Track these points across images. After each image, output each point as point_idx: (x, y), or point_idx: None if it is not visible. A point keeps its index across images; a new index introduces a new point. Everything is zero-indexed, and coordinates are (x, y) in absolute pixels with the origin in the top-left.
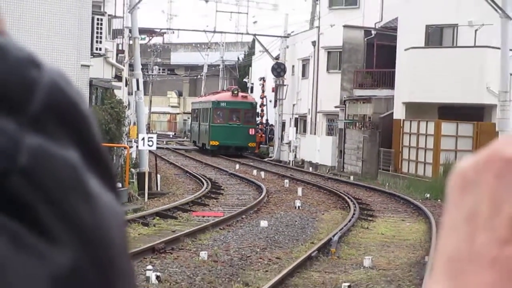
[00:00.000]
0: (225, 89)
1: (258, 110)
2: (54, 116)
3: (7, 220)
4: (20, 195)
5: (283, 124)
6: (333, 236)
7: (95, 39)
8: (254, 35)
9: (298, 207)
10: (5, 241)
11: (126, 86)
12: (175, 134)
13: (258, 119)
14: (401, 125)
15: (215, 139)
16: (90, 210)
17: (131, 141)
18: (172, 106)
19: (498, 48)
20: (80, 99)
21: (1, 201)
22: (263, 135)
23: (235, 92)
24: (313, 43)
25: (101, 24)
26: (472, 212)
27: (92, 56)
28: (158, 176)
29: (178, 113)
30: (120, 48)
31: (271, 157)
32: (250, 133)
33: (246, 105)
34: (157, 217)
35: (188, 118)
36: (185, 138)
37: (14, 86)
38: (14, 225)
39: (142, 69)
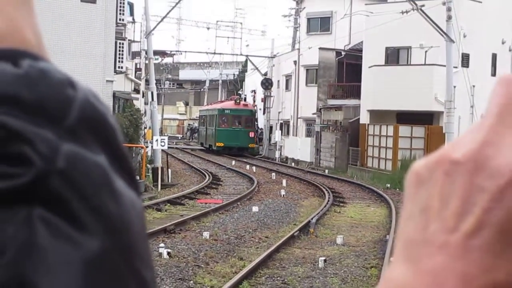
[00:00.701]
0: (228, 98)
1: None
2: (86, 127)
3: (47, 213)
4: (59, 193)
5: (271, 128)
6: (312, 219)
7: (117, 59)
8: (247, 55)
9: (283, 195)
10: (48, 232)
11: (142, 97)
12: (182, 136)
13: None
14: (366, 128)
15: (221, 141)
16: (116, 204)
17: (147, 142)
18: (180, 114)
19: (444, 66)
20: (108, 113)
21: (42, 198)
22: (256, 137)
23: (238, 101)
24: (295, 62)
25: (123, 47)
26: (425, 204)
27: (115, 73)
28: (169, 170)
29: (185, 119)
30: (138, 66)
31: (261, 154)
32: (250, 135)
33: (247, 112)
34: (168, 204)
35: (192, 123)
36: (188, 139)
37: (55, 103)
38: (54, 218)
39: (155, 83)
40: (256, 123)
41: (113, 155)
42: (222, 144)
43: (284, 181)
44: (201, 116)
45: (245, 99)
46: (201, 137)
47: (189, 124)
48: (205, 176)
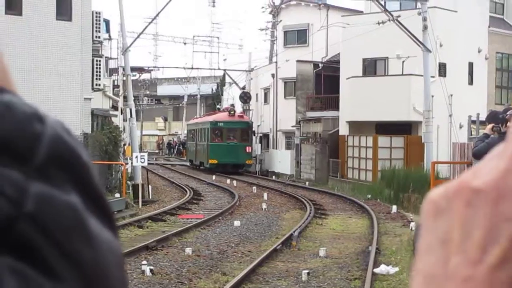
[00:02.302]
0: (221, 109)
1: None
2: (56, 165)
3: (16, 262)
4: (28, 238)
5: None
6: (294, 232)
7: (95, 77)
8: (225, 70)
9: (265, 209)
10: (15, 282)
11: (121, 114)
12: (162, 151)
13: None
14: (346, 139)
15: (214, 158)
16: (91, 248)
17: (126, 159)
18: (159, 129)
19: (421, 75)
20: (80, 148)
21: (11, 244)
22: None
23: (232, 112)
24: (272, 75)
25: (100, 64)
26: (445, 236)
27: (93, 91)
28: (150, 186)
29: (164, 135)
30: (115, 83)
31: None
32: (247, 151)
33: (242, 124)
34: (150, 220)
35: (172, 139)
36: (166, 154)
37: (21, 139)
38: (24, 267)
39: (134, 100)
40: (252, 136)
41: (87, 193)
42: (215, 161)
43: (265, 195)
44: (189, 130)
45: (240, 110)
46: (190, 154)
47: (169, 140)
48: (186, 191)
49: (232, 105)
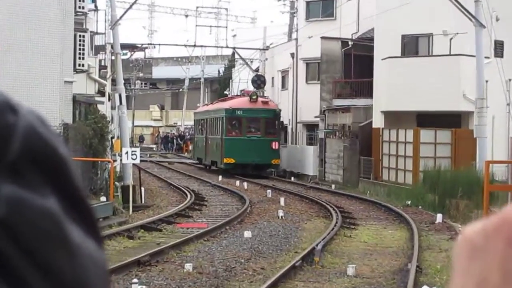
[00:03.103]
0: (240, 93)
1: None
2: (31, 163)
3: None
4: None
5: None
6: (317, 245)
7: (77, 56)
8: (234, 48)
9: (281, 217)
10: None
11: (109, 101)
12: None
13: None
14: (380, 133)
15: (230, 156)
16: (70, 260)
17: (115, 155)
18: (154, 120)
19: (473, 56)
20: (58, 141)
21: None
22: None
23: (254, 97)
24: (292, 55)
25: (83, 40)
26: (482, 279)
27: (75, 72)
28: (142, 189)
29: (161, 126)
30: (102, 63)
31: None
32: (273, 147)
33: (268, 113)
34: (142, 230)
35: (170, 131)
36: (165, 150)
37: None
38: None
39: (124, 83)
40: (280, 128)
41: (67, 196)
42: (232, 161)
43: (282, 200)
44: (197, 121)
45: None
46: (198, 150)
47: (167, 133)
48: (186, 195)
49: (256, 91)
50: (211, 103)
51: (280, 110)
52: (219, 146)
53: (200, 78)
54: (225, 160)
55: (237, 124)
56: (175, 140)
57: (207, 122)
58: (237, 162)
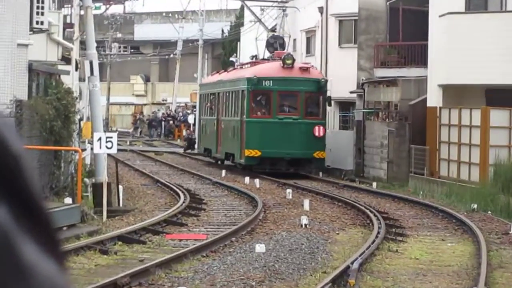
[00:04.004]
0: (270, 56)
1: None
2: None
3: None
4: None
5: None
6: (352, 263)
7: (35, 10)
8: (243, 1)
9: (305, 225)
10: None
11: (76, 70)
12: (141, 132)
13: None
14: (438, 114)
15: (254, 147)
16: (22, 284)
17: (84, 143)
18: (137, 95)
19: None
20: (10, 135)
21: None
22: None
23: (289, 61)
24: (320, 9)
25: None
26: None
27: (31, 33)
28: (120, 187)
29: (145, 104)
30: (68, 20)
31: None
32: (317, 133)
33: (309, 85)
34: (120, 242)
35: (158, 110)
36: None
37: None
38: None
39: (97, 47)
40: (326, 107)
41: (20, 203)
42: (256, 153)
43: (306, 202)
44: (204, 95)
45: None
46: (204, 139)
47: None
48: (179, 196)
49: (291, 54)
50: (225, 71)
51: (326, 81)
52: (237, 132)
53: (197, 40)
54: (246, 153)
55: (264, 100)
56: (163, 123)
57: (219, 97)
58: (264, 156)
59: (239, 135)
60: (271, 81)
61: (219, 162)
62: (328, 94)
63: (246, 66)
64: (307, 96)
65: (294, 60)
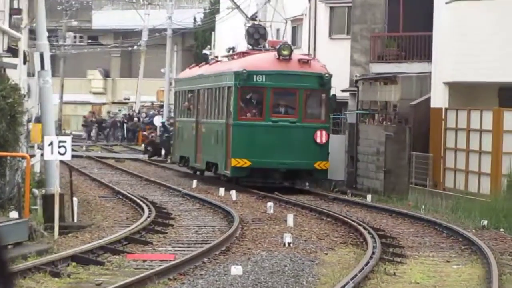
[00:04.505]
0: (260, 46)
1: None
2: None
3: None
4: None
5: None
6: (344, 287)
7: None
8: None
9: (289, 244)
10: None
11: (25, 63)
12: (100, 134)
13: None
14: (443, 116)
15: (243, 155)
16: None
17: (33, 147)
18: (95, 93)
19: None
20: None
21: None
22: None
23: (286, 52)
24: None
25: None
26: None
27: None
28: (75, 199)
29: (104, 103)
30: (15, 6)
31: None
32: (318, 140)
33: (310, 81)
34: (74, 263)
35: (119, 110)
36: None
37: None
38: None
39: (49, 37)
40: (331, 107)
41: None
42: (246, 163)
43: (290, 218)
44: (180, 93)
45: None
46: (180, 145)
47: (114, 113)
48: (143, 209)
49: (288, 43)
50: (207, 63)
51: (330, 76)
52: (222, 137)
53: (165, 30)
54: (233, 163)
55: (255, 99)
56: (125, 125)
57: (199, 95)
58: (254, 166)
59: (224, 141)
60: (264, 76)
61: (197, 173)
62: (333, 92)
63: (233, 57)
64: (308, 94)
65: (292, 50)
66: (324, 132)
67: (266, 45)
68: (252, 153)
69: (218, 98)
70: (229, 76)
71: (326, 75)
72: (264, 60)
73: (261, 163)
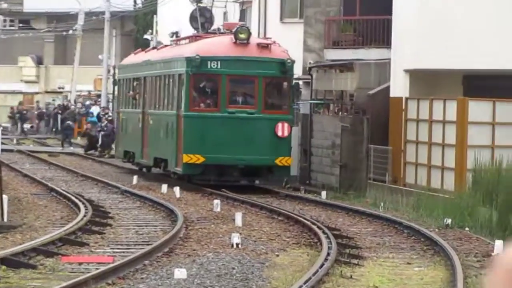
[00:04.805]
0: (216, 29)
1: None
2: None
3: None
4: None
5: None
6: None
7: None
8: None
9: (237, 244)
10: None
11: None
12: (32, 126)
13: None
14: (403, 106)
15: (196, 150)
16: None
17: None
18: (26, 82)
19: None
20: None
21: None
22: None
23: (243, 35)
24: None
25: None
26: None
27: None
28: (5, 197)
29: (37, 92)
30: None
31: None
32: (280, 133)
33: (270, 67)
34: (4, 266)
35: (53, 100)
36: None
37: None
38: None
39: None
40: (295, 97)
41: None
42: (199, 159)
43: (238, 217)
44: (124, 81)
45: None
46: (125, 139)
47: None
48: (79, 208)
49: (246, 25)
50: (155, 48)
51: (293, 63)
52: (172, 130)
53: (103, 13)
54: (185, 159)
55: (209, 88)
56: (59, 117)
57: (145, 84)
58: (209, 163)
59: (175, 134)
60: (219, 62)
61: (144, 170)
62: (294, 79)
63: (185, 42)
64: (268, 83)
65: (250, 34)
66: (286, 125)
67: (221, 28)
68: (206, 148)
69: (167, 86)
70: (180, 62)
71: (289, 61)
72: (219, 45)
73: (216, 159)
